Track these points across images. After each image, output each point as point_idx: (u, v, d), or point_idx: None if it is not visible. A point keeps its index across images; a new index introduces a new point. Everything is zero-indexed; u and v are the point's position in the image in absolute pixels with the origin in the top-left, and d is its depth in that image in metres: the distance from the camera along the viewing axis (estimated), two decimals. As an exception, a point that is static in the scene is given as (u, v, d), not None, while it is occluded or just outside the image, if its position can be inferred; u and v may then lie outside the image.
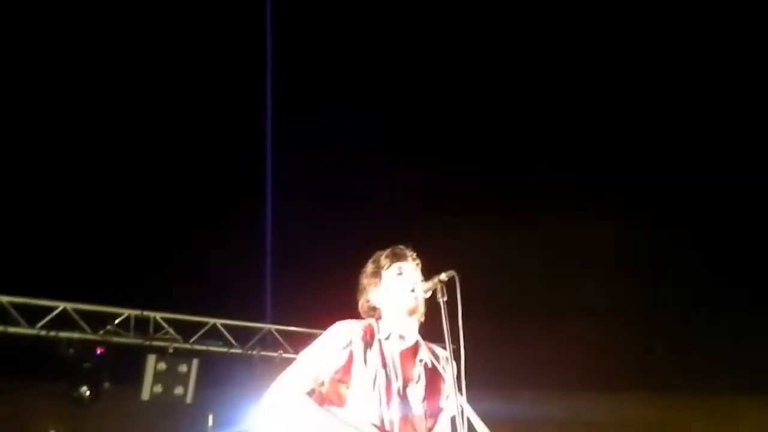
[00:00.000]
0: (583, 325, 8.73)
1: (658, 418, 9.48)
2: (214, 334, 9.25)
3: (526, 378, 8.86)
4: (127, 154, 8.49)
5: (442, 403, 3.73)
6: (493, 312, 8.16)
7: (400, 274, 3.75)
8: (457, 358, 3.38)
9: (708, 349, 8.96)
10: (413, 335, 3.78)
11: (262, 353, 9.29)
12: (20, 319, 8.22)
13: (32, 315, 8.34)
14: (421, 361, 3.75)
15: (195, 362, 9.11)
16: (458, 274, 3.44)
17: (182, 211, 8.26)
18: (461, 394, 3.43)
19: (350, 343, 3.65)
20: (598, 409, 9.29)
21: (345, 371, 3.64)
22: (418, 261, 3.79)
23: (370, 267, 3.81)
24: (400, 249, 3.80)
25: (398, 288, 3.72)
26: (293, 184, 8.72)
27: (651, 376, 9.26)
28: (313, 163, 8.73)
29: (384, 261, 3.78)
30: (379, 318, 3.78)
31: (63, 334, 8.42)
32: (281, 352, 9.23)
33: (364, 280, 3.81)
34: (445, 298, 3.43)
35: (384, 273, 3.77)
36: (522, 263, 8.97)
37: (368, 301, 3.79)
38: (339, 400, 3.65)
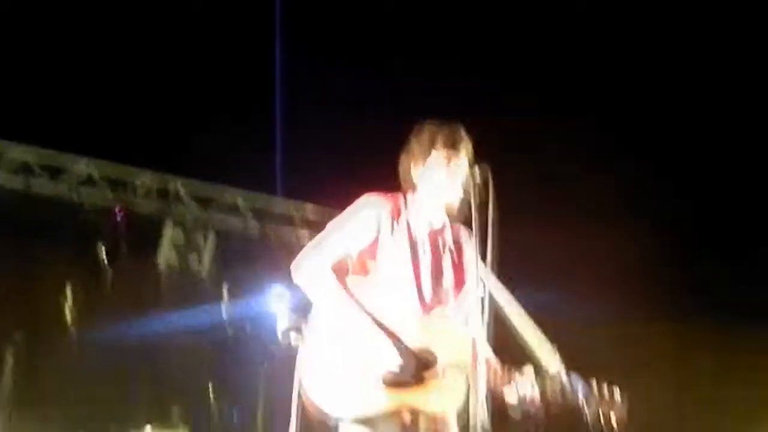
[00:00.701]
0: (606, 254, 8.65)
1: (672, 349, 9.45)
2: (234, 208, 9.23)
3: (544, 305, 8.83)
4: (162, 25, 8.27)
5: (467, 276, 3.71)
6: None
7: (448, 162, 3.65)
8: (483, 252, 3.27)
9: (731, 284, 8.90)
10: (442, 217, 3.76)
11: (280, 232, 9.29)
12: (42, 174, 8.24)
13: (54, 171, 8.36)
14: (446, 239, 3.74)
15: (212, 235, 9.13)
16: (491, 169, 3.35)
17: (219, 83, 8.10)
18: (489, 285, 3.36)
19: (378, 217, 3.62)
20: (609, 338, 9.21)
21: (372, 245, 3.61)
22: (471, 150, 3.66)
23: (425, 135, 3.70)
24: (459, 138, 3.68)
25: (440, 179, 3.66)
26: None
27: (668, 307, 9.20)
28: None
29: (440, 139, 3.67)
30: (410, 192, 3.71)
31: (83, 191, 8.45)
32: (299, 231, 9.22)
33: (416, 147, 3.71)
34: (477, 199, 3.34)
35: (434, 153, 3.66)
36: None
37: (410, 174, 3.71)
38: (365, 272, 3.63)
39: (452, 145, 3.65)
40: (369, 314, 3.50)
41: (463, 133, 3.69)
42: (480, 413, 3.08)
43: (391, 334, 3.47)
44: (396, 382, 3.46)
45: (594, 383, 3.41)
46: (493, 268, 3.32)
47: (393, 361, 3.45)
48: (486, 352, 3.30)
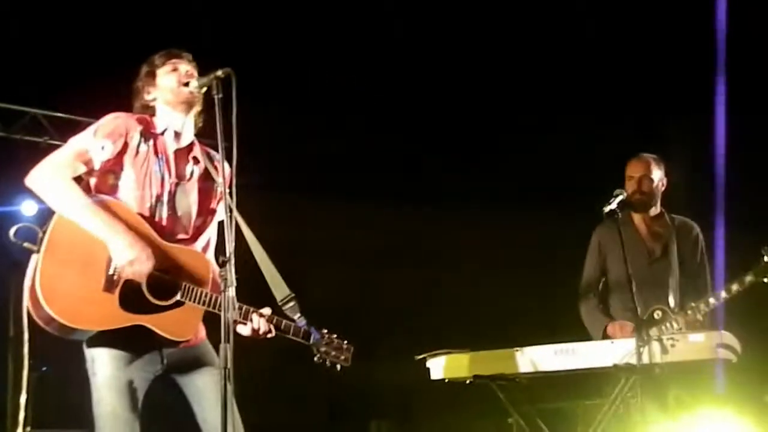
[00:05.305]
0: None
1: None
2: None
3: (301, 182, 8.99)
4: None
5: (213, 204, 3.83)
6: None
7: (174, 69, 3.77)
8: (229, 158, 3.41)
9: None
10: (189, 135, 3.82)
11: (26, 138, 8.98)
12: None
13: None
14: (195, 159, 3.81)
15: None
16: (234, 73, 3.42)
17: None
18: (231, 196, 3.50)
19: (125, 133, 3.67)
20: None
21: (116, 161, 3.65)
22: (194, 63, 3.82)
23: (143, 69, 3.85)
24: (176, 49, 3.84)
25: (171, 82, 3.75)
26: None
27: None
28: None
29: (158, 60, 3.82)
30: (153, 115, 3.78)
31: None
32: (47, 138, 8.93)
33: (139, 83, 3.84)
34: (221, 95, 3.42)
35: (158, 71, 3.80)
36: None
37: (143, 100, 3.80)
38: (109, 191, 3.65)
39: (174, 55, 3.82)
40: (104, 217, 3.47)
41: (180, 50, 3.86)
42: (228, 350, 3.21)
43: (124, 231, 3.45)
44: (134, 300, 3.48)
45: (326, 334, 3.81)
46: (233, 185, 3.50)
47: (125, 255, 3.44)
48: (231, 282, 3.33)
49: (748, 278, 5.11)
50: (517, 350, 5.32)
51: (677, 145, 7.37)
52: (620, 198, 5.06)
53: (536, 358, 5.28)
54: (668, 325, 5.23)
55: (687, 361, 4.98)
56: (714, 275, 5.70)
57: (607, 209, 5.03)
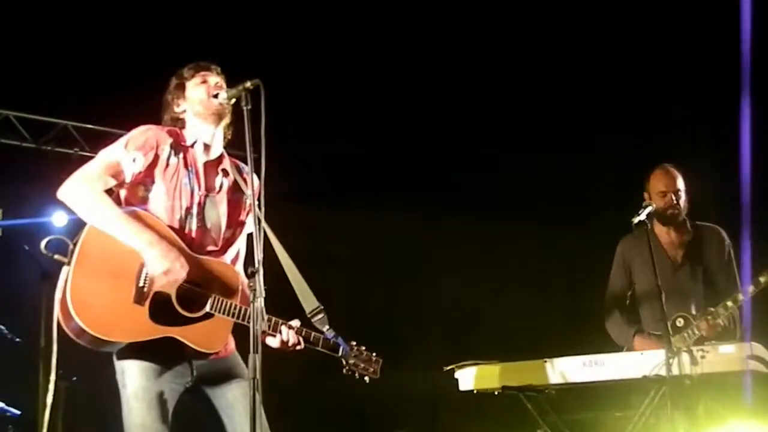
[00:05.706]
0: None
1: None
2: (6, 126, 8.89)
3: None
4: None
5: (242, 216, 3.85)
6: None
7: (203, 82, 3.80)
8: (258, 168, 3.41)
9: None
10: (218, 147, 3.85)
11: (57, 149, 9.05)
12: None
13: None
14: (224, 171, 3.84)
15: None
16: (263, 85, 3.43)
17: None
18: (260, 207, 3.52)
19: (156, 145, 3.70)
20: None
21: (147, 174, 3.68)
22: (223, 75, 3.85)
23: (173, 82, 3.88)
24: (204, 62, 3.87)
25: (201, 94, 3.77)
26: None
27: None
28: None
29: (187, 73, 3.85)
30: (183, 127, 3.81)
31: None
32: (77, 149, 9.01)
33: (168, 96, 3.88)
34: (249, 107, 3.44)
35: (187, 84, 3.83)
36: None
37: (173, 113, 3.83)
38: (139, 203, 3.69)
39: (203, 68, 3.86)
40: (137, 227, 3.50)
41: (208, 63, 3.89)
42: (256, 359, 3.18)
43: (157, 240, 3.49)
44: (165, 312, 3.51)
45: (355, 346, 3.85)
46: (261, 195, 3.52)
47: (159, 264, 3.48)
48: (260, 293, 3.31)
49: (763, 278, 5.12)
50: (546, 361, 5.30)
51: (702, 153, 7.30)
52: (649, 209, 5.05)
53: (565, 370, 5.25)
54: (690, 332, 5.22)
55: (717, 372, 4.95)
56: (742, 282, 5.65)
57: (636, 220, 5.01)
